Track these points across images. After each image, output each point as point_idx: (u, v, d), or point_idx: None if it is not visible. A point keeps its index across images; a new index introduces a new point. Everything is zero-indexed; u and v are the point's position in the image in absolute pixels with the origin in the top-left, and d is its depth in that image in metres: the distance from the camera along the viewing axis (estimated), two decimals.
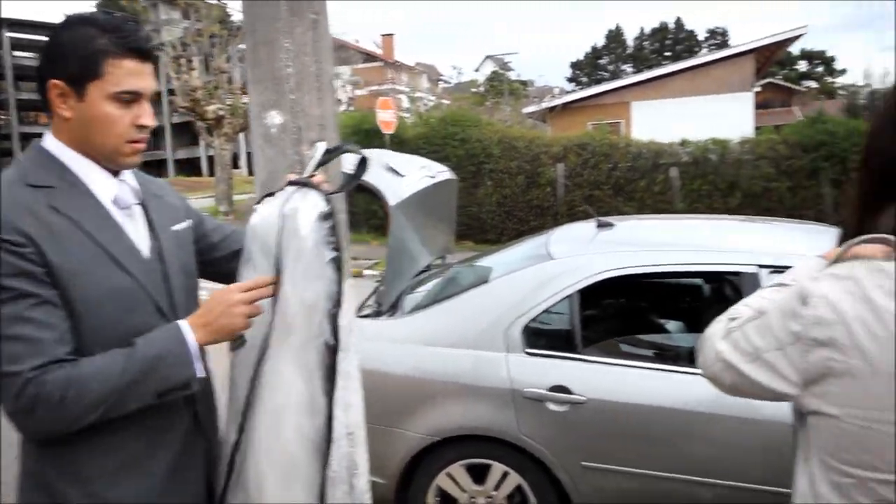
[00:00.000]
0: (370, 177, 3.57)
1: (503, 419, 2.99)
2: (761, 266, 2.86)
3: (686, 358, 3.21)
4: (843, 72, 57.89)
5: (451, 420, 3.07)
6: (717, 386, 1.14)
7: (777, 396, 1.02)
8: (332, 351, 1.34)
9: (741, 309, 1.17)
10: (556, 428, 2.93)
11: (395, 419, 3.14)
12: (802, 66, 58.29)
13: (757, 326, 1.05)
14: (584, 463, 2.92)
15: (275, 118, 1.89)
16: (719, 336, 1.12)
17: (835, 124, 12.27)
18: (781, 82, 43.13)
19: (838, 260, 0.97)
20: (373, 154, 4.07)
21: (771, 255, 2.94)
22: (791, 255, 2.95)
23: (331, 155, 1.37)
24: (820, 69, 59.17)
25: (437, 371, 3.13)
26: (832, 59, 59.15)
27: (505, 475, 3.05)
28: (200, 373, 1.27)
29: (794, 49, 51.24)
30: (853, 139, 11.57)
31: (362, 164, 1.40)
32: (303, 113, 1.91)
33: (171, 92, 20.98)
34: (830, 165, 11.65)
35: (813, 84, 55.05)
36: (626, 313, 3.78)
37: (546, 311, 3.06)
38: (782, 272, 2.80)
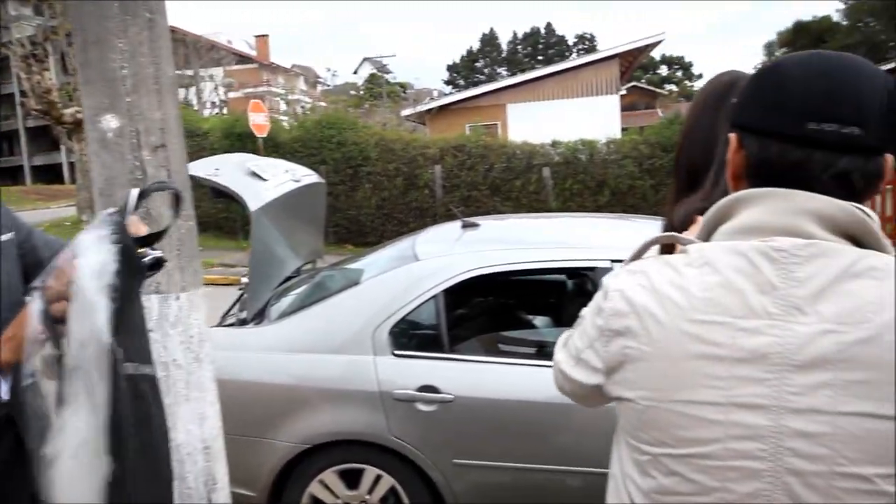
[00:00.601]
0: (230, 182, 3.47)
1: (374, 422, 2.98)
2: (614, 261, 3.00)
3: (549, 351, 3.32)
4: (699, 76, 61.95)
5: (322, 427, 3.03)
6: (568, 397, 1.17)
7: (595, 393, 1.04)
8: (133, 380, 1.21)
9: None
10: (427, 428, 2.96)
11: (264, 429, 3.07)
12: (664, 70, 61.90)
13: (578, 330, 1.09)
14: (455, 461, 2.96)
15: (110, 122, 1.79)
16: (559, 347, 1.16)
17: None
18: (645, 86, 45.62)
19: (636, 258, 1.03)
20: (234, 158, 3.96)
21: (624, 250, 3.09)
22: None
23: (144, 196, 1.28)
24: (679, 74, 63.05)
25: (306, 378, 3.08)
26: (690, 65, 63.16)
27: (378, 478, 3.04)
28: (4, 395, 1.18)
29: (657, 54, 54.33)
30: None
31: (176, 201, 1.36)
32: (141, 116, 1.82)
33: (23, 94, 19.52)
34: None
35: (674, 88, 58.58)
36: (492, 311, 3.86)
37: (413, 312, 3.08)
38: None
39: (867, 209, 0.88)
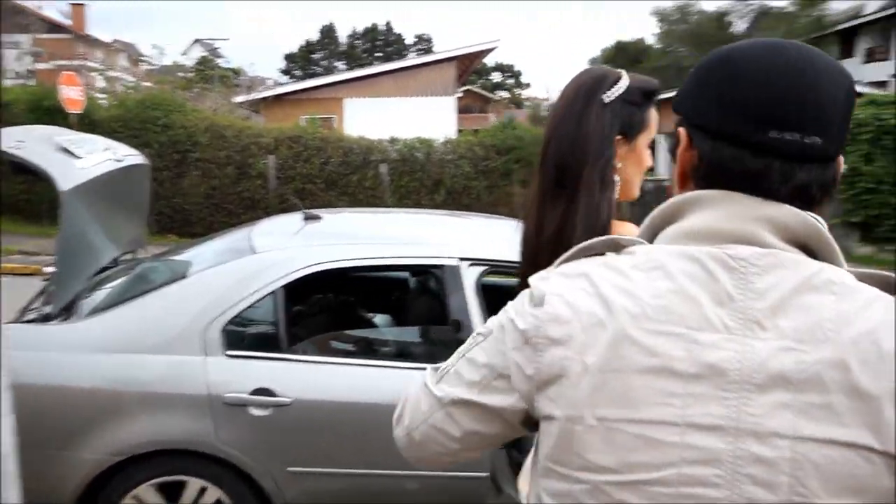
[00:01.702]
0: (36, 157, 3.03)
1: (200, 429, 2.72)
2: (462, 259, 2.95)
3: (393, 351, 3.23)
4: (528, 85, 64.98)
5: (139, 436, 2.72)
6: (434, 445, 0.96)
7: (509, 413, 0.89)
8: None
9: (440, 365, 1.02)
10: (260, 434, 2.75)
11: (70, 440, 2.70)
12: (497, 77, 64.23)
13: (484, 348, 0.91)
14: (290, 468, 2.77)
15: None
16: (430, 383, 0.96)
17: (523, 130, 13.62)
18: (479, 90, 47.05)
19: (567, 261, 0.91)
20: (41, 130, 3.48)
21: (471, 247, 3.05)
22: (488, 248, 3.10)
23: None
24: (510, 81, 65.72)
25: (120, 381, 2.75)
26: (519, 73, 66.03)
27: (203, 490, 2.78)
28: None
29: (490, 61, 56.17)
30: (538, 145, 12.91)
31: None
32: None
33: None
34: (520, 167, 12.88)
35: (505, 94, 60.94)
36: (334, 309, 3.70)
37: (248, 308, 2.84)
38: (481, 265, 2.98)
39: (820, 219, 0.82)
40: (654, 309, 0.78)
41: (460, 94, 25.76)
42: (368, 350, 3.18)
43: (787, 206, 0.81)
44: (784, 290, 0.77)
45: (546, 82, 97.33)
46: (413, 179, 13.03)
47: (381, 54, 58.53)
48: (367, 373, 2.87)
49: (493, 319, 0.93)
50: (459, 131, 20.32)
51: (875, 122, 12.56)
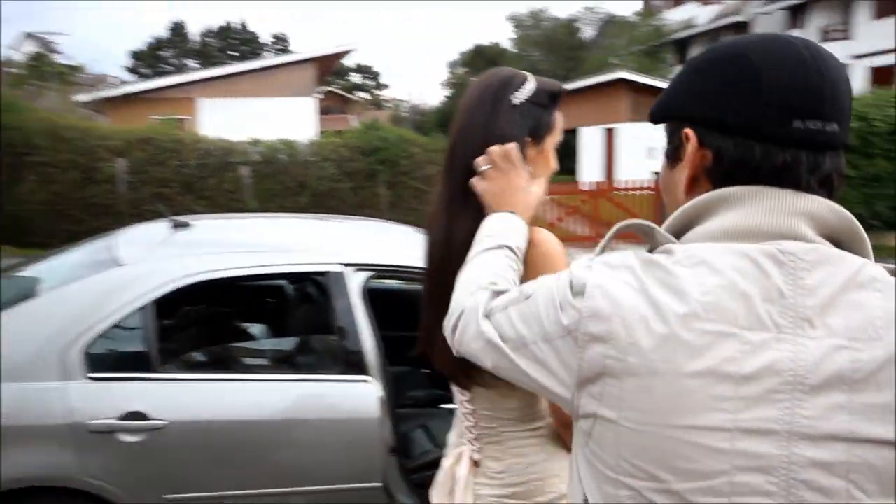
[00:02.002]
0: None
1: (62, 462, 2.46)
2: (346, 265, 2.86)
3: (274, 364, 3.08)
4: (387, 86, 65.14)
5: None
6: (474, 360, 1.02)
7: (545, 392, 0.88)
8: None
9: (499, 282, 1.08)
10: (132, 462, 2.52)
11: None
12: (356, 78, 63.85)
13: (521, 312, 0.91)
14: (166, 496, 2.57)
15: None
16: (480, 313, 1.00)
17: (387, 132, 13.59)
18: (340, 91, 46.56)
19: (605, 248, 0.87)
20: None
21: (355, 253, 2.97)
22: (373, 253, 3.03)
23: None
24: (370, 82, 65.60)
25: None
26: (378, 75, 66.04)
27: None
28: None
29: (350, 62, 55.78)
30: (402, 146, 12.96)
31: None
32: None
33: None
34: (385, 168, 12.83)
35: (366, 95, 60.73)
36: (210, 322, 3.49)
37: (115, 326, 2.60)
38: (366, 270, 2.91)
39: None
40: (703, 306, 0.74)
41: (320, 95, 25.33)
42: (249, 364, 3.01)
43: (821, 199, 0.80)
44: (834, 287, 0.75)
45: (406, 84, 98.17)
46: (276, 182, 12.63)
47: (236, 53, 56.53)
48: (248, 387, 2.72)
49: (536, 284, 0.93)
50: (321, 132, 19.99)
51: None
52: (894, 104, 12.88)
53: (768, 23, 31.12)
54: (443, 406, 3.73)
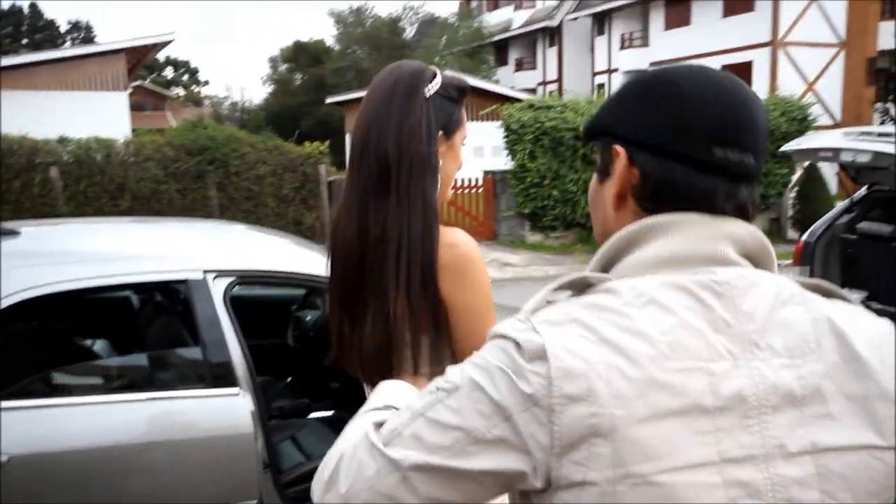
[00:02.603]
0: None
1: None
2: (207, 271, 2.70)
3: (128, 382, 2.84)
4: (206, 83, 62.13)
5: None
6: None
7: (513, 483, 0.78)
8: None
9: (374, 415, 0.90)
10: None
11: None
12: (170, 72, 60.32)
13: (452, 407, 0.78)
14: None
15: None
16: (373, 444, 0.82)
17: (215, 130, 12.96)
18: (153, 87, 43.68)
19: (538, 306, 0.82)
20: None
21: (216, 258, 2.81)
22: (235, 258, 2.88)
23: None
24: (186, 77, 62.25)
25: None
26: (196, 70, 62.89)
27: None
28: None
29: (162, 56, 52.59)
30: (232, 145, 12.40)
31: None
32: None
33: None
34: (214, 169, 12.24)
35: (181, 91, 57.55)
36: (54, 341, 3.14)
37: None
38: (229, 276, 2.75)
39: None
40: (668, 346, 0.75)
41: (131, 91, 23.65)
42: (100, 385, 2.75)
43: (740, 222, 0.84)
44: (765, 309, 0.79)
45: (226, 80, 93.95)
46: (92, 184, 11.61)
47: (27, 41, 51.20)
48: (101, 411, 2.49)
49: (457, 372, 0.82)
50: (133, 131, 18.67)
51: (535, 124, 14.33)
52: None
53: (576, 28, 33.31)
54: (310, 416, 3.64)
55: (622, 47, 29.67)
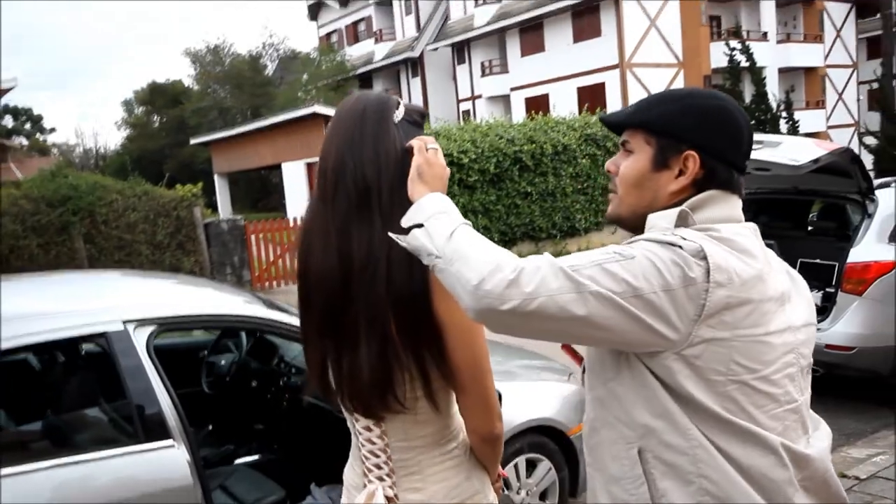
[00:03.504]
0: None
1: None
2: (127, 322, 2.59)
3: (52, 446, 2.67)
4: (52, 130, 58.38)
5: None
6: (537, 315, 1.07)
7: (643, 335, 1.11)
8: None
9: (559, 259, 1.15)
10: None
11: None
12: (9, 121, 56.22)
13: (628, 268, 1.10)
14: None
15: None
16: (562, 267, 1.09)
17: (77, 178, 12.24)
18: None
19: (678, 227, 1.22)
20: None
21: (135, 307, 2.70)
22: (156, 304, 2.78)
23: None
24: (28, 126, 58.23)
25: None
26: (40, 118, 59.01)
27: None
28: None
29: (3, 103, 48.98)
30: (98, 193, 11.76)
31: None
32: None
33: None
34: (79, 219, 11.55)
35: (24, 140, 53.75)
36: None
37: None
38: (153, 325, 2.65)
39: None
40: (765, 257, 1.20)
41: None
42: (14, 454, 2.56)
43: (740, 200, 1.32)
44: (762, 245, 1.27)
45: (74, 126, 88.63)
46: None
47: None
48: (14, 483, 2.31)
49: (632, 249, 1.14)
50: None
51: None
52: (554, 128, 15.04)
53: (437, 58, 34.20)
54: (237, 462, 3.53)
55: (483, 74, 30.74)
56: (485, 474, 1.49)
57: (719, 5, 28.03)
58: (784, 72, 28.62)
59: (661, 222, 1.23)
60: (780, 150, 4.64)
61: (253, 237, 13.39)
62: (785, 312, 1.20)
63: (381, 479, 1.43)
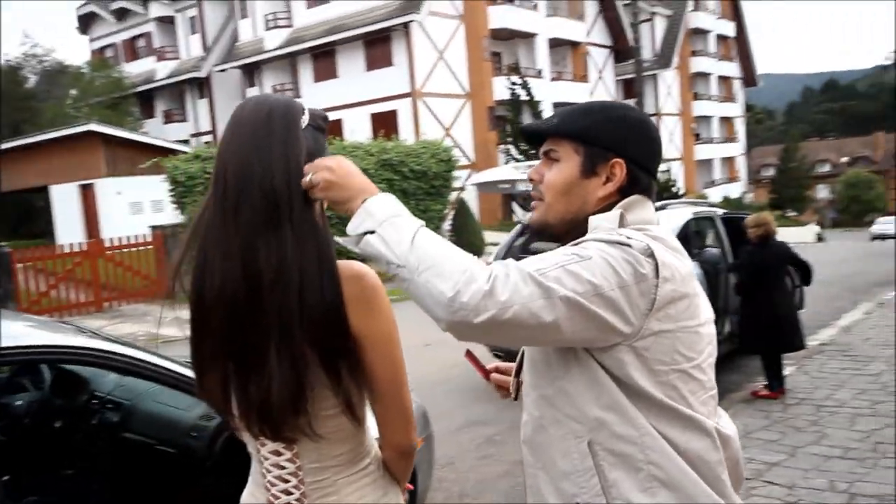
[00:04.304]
0: None
1: None
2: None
3: None
4: None
5: None
6: (512, 322, 1.10)
7: (600, 330, 1.16)
8: None
9: (522, 263, 1.17)
10: None
11: None
12: None
13: (587, 268, 1.15)
14: None
15: None
16: (530, 274, 1.12)
17: None
18: None
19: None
20: None
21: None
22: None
23: None
24: None
25: None
26: None
27: None
28: None
29: None
30: None
31: None
32: None
33: None
34: None
35: None
36: None
37: None
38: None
39: None
40: (684, 256, 1.30)
41: None
42: None
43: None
44: None
45: None
46: None
47: None
48: None
49: (587, 248, 1.19)
50: None
51: (205, 174, 13.89)
52: (351, 153, 15.18)
53: (226, 79, 33.08)
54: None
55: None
56: (398, 489, 1.45)
57: (500, 43, 30.07)
58: (558, 106, 31.21)
59: (604, 223, 1.28)
60: None
61: (20, 266, 11.97)
62: (704, 306, 1.29)
63: None
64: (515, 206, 18.47)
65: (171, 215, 14.56)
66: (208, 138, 32.49)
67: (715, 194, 36.90)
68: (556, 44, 32.10)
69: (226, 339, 1.27)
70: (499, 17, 28.50)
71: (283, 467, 1.35)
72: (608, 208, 1.32)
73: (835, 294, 11.57)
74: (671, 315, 1.20)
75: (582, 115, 1.37)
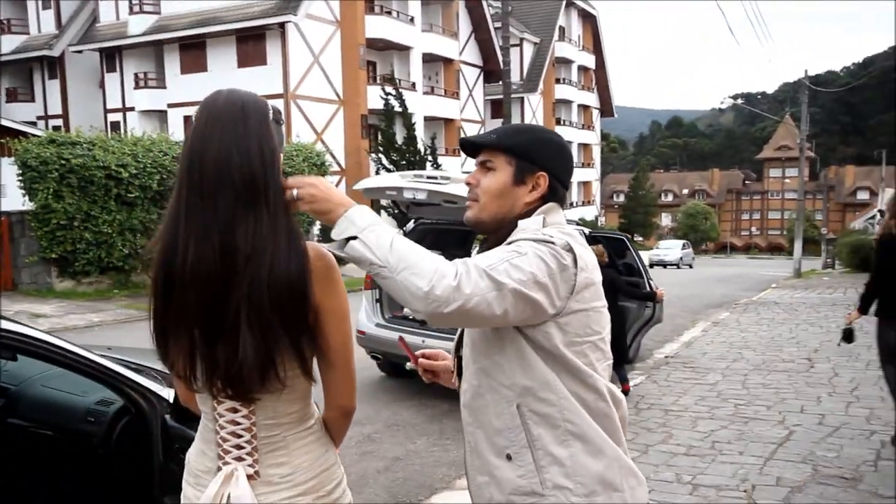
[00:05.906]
0: None
1: None
2: None
3: None
4: None
5: None
6: (473, 312, 1.34)
7: (535, 312, 1.42)
8: None
9: (475, 260, 1.41)
10: None
11: None
12: None
13: (525, 261, 1.41)
14: None
15: None
16: (488, 272, 1.36)
17: None
18: None
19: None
20: None
21: None
22: None
23: None
24: None
25: None
26: None
27: None
28: None
29: None
30: None
31: None
32: None
33: None
34: None
35: None
36: None
37: None
38: None
39: None
40: (591, 250, 1.58)
41: None
42: None
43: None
44: None
45: None
46: None
47: None
48: None
49: (522, 246, 1.45)
50: None
51: (59, 160, 13.03)
52: None
53: (82, 62, 31.04)
54: None
55: (137, 87, 28.69)
56: (334, 447, 1.61)
57: (376, 52, 30.26)
58: (429, 120, 31.90)
59: (532, 225, 1.56)
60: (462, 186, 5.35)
61: None
62: (602, 293, 1.59)
63: (239, 458, 1.48)
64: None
65: (16, 201, 13.47)
66: (58, 122, 30.29)
67: (572, 215, 38.99)
68: (430, 58, 32.68)
69: (195, 309, 1.39)
70: (376, 27, 28.62)
71: (238, 423, 1.48)
72: (531, 212, 1.60)
73: (675, 313, 12.70)
74: (585, 297, 1.49)
75: (516, 133, 1.65)
